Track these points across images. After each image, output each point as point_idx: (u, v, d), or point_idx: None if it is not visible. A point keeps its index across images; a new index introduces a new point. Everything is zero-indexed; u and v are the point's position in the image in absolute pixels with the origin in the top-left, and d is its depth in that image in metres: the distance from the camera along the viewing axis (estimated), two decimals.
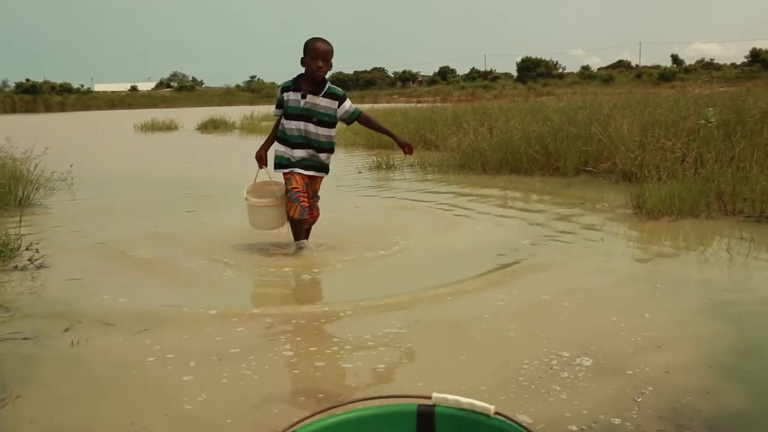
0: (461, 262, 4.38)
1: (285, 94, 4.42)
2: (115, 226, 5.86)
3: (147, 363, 2.76)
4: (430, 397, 1.36)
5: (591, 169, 7.94)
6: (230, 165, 10.93)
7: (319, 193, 4.63)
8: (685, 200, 5.57)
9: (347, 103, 4.44)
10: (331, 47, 4.32)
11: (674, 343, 2.87)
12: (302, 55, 4.30)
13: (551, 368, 2.59)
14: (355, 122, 4.54)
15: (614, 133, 8.03)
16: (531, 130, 8.87)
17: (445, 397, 1.35)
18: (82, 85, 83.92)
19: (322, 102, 4.36)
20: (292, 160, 4.41)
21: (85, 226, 5.87)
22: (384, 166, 9.31)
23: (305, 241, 4.63)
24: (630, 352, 2.76)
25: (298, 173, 4.40)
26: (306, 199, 4.41)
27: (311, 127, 4.36)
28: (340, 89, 4.43)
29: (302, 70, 4.38)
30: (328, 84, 4.38)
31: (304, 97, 4.34)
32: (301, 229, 4.59)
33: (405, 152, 4.52)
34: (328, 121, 4.39)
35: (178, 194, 7.69)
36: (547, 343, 2.87)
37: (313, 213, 4.62)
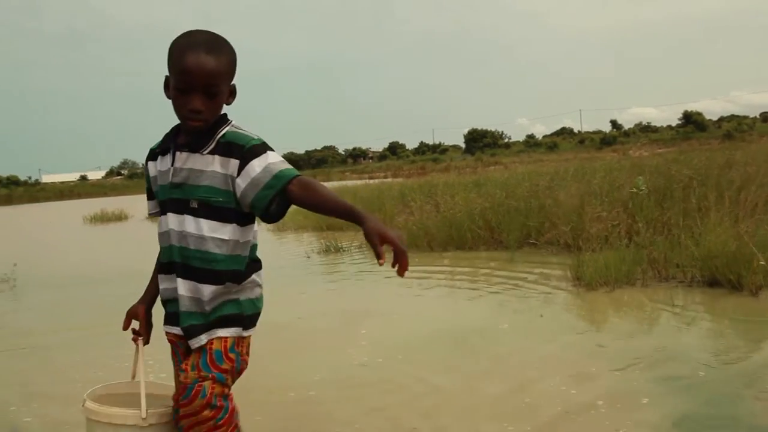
0: (421, 350, 4.43)
1: (150, 164, 2.08)
2: (58, 333, 5.75)
3: None
4: None
5: (533, 241, 8.16)
6: None
7: (225, 381, 1.92)
8: (621, 269, 5.78)
9: (262, 161, 1.87)
10: (223, 58, 1.89)
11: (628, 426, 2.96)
12: (168, 77, 1.93)
13: None
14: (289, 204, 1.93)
15: (554, 204, 8.33)
16: (474, 206, 9.12)
17: None
18: (30, 177, 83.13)
19: (207, 164, 1.92)
20: (177, 302, 1.97)
21: (28, 332, 5.75)
22: (333, 249, 9.40)
23: None
24: None
25: (173, 336, 2.03)
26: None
27: (189, 223, 1.93)
28: (250, 135, 1.93)
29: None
30: (226, 130, 1.94)
31: (174, 159, 1.96)
32: None
33: (379, 258, 1.67)
34: (222, 205, 1.91)
35: (120, 293, 7.60)
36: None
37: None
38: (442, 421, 3.11)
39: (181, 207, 1.91)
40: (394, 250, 1.67)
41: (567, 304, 5.38)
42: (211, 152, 1.89)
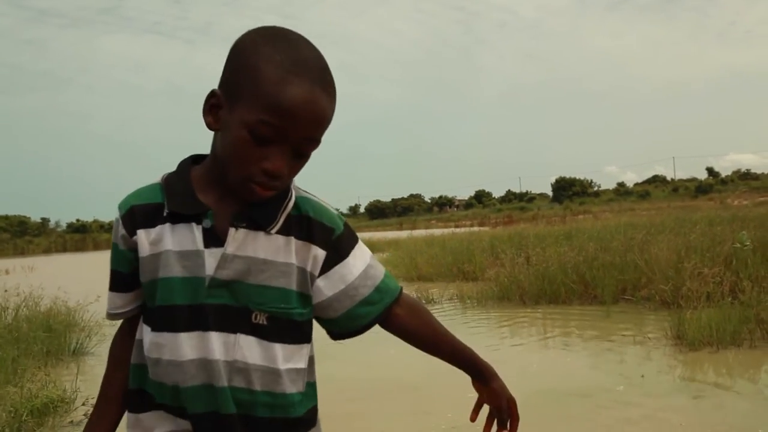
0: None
1: (140, 234, 1.15)
2: None
3: None
4: None
5: (629, 297, 7.97)
6: None
7: None
8: (726, 329, 5.57)
9: (360, 259, 1.22)
10: (334, 97, 1.11)
11: None
12: (219, 97, 1.10)
13: None
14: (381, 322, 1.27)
15: (651, 259, 8.12)
16: (567, 260, 9.00)
17: None
18: None
19: (278, 252, 1.14)
20: None
21: None
22: (424, 302, 9.45)
23: None
24: None
25: None
26: None
27: (251, 350, 1.13)
28: (330, 208, 1.21)
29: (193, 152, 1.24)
30: (294, 195, 1.17)
31: (213, 239, 1.12)
32: None
33: (505, 428, 1.34)
34: (302, 318, 1.18)
35: None
36: None
37: None
38: None
39: (233, 321, 1.12)
40: (511, 414, 1.34)
41: (670, 365, 5.21)
42: (283, 231, 1.14)
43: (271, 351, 1.13)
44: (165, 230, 1.13)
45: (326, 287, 1.18)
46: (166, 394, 1.15)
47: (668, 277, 7.47)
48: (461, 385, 4.46)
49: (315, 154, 1.14)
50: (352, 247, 1.20)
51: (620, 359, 5.46)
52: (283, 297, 1.13)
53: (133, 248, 1.16)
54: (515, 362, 5.69)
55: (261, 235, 1.12)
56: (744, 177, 71.42)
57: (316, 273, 1.17)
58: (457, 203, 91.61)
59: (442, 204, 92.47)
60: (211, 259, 1.11)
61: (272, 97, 1.02)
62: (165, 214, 1.13)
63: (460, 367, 1.34)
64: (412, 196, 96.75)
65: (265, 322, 1.13)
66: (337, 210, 1.22)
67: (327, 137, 1.13)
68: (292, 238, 1.14)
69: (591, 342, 6.21)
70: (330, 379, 5.27)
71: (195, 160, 1.21)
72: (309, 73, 1.05)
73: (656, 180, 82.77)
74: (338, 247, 1.18)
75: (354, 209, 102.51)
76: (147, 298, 1.17)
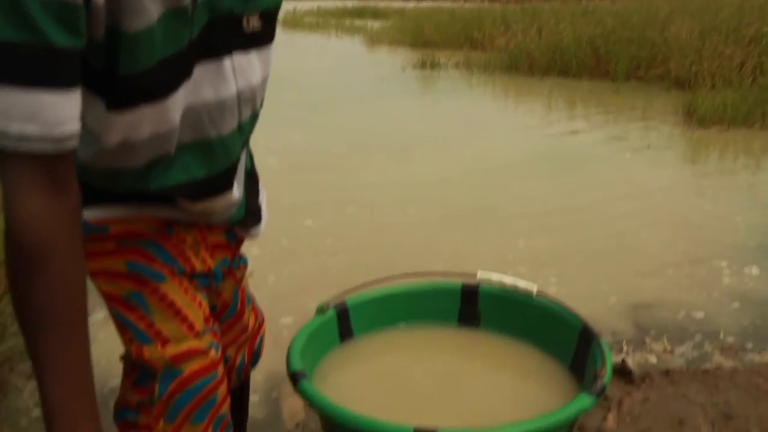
0: (514, 169, 4.38)
1: None
2: None
3: None
4: (475, 275, 1.40)
5: (642, 75, 7.67)
6: None
7: None
8: (739, 109, 5.40)
9: None
10: None
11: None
12: None
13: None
14: None
15: (670, 37, 7.72)
16: (582, 33, 8.55)
17: (489, 276, 1.39)
18: None
19: None
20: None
21: None
22: (429, 66, 9.12)
23: None
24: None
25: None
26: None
27: (253, 67, 0.88)
28: None
29: None
30: None
31: None
32: None
33: None
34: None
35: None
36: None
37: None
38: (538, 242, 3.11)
39: (224, 42, 0.83)
40: None
41: (677, 139, 5.13)
42: None
43: (267, 57, 0.90)
44: None
45: None
46: (129, 179, 0.86)
47: (686, 56, 7.14)
48: (440, 146, 4.37)
49: None
50: None
51: (626, 131, 5.36)
52: None
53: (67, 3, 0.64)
54: (518, 123, 5.60)
55: None
56: None
57: None
58: None
59: None
60: None
61: None
62: None
63: None
64: None
65: (258, 26, 0.85)
66: None
67: None
68: None
69: (598, 114, 6.07)
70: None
71: None
72: None
73: None
74: None
75: None
76: (97, 64, 0.72)
